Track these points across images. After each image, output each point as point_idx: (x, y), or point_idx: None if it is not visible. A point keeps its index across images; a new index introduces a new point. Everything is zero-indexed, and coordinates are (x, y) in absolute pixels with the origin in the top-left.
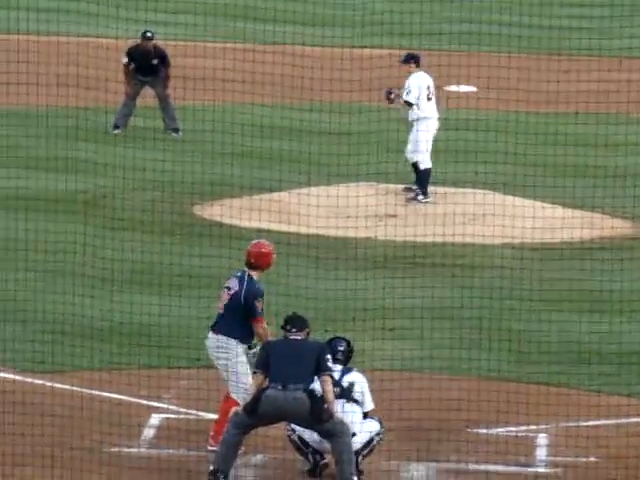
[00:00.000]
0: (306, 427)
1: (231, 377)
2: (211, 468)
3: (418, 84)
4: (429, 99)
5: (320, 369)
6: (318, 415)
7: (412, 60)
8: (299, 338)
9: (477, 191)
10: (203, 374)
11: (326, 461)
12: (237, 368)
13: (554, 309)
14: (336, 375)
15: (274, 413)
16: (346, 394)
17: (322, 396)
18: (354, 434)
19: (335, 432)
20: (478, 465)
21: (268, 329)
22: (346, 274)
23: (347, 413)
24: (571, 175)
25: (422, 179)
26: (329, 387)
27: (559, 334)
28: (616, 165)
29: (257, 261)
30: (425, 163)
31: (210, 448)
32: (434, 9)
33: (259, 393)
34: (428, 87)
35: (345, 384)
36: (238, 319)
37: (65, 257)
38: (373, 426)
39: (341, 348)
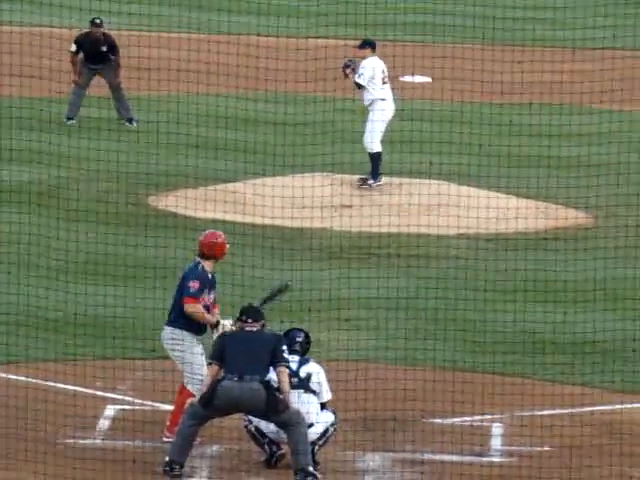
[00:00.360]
0: (262, 418)
1: (186, 369)
2: (166, 459)
3: (372, 67)
4: (384, 83)
5: (276, 360)
6: (274, 406)
7: (368, 46)
8: (255, 329)
9: (432, 182)
10: (158, 365)
11: (283, 452)
12: (191, 359)
13: (509, 299)
14: (294, 366)
15: (230, 404)
16: (304, 384)
17: (278, 387)
18: (311, 424)
19: (291, 422)
20: (433, 455)
21: (201, 313)
22: (301, 265)
23: (304, 403)
24: (525, 165)
25: (373, 163)
26: (285, 378)
27: (514, 324)
28: (569, 155)
29: (210, 251)
30: (375, 148)
31: (165, 439)
32: None
33: (214, 384)
34: (383, 71)
35: (303, 374)
36: (183, 308)
37: (19, 248)
38: (328, 417)
39: (299, 339)
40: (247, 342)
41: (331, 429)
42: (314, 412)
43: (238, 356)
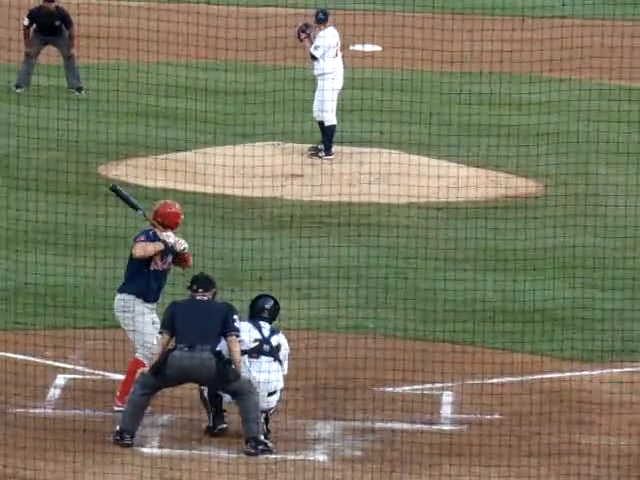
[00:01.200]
0: (213, 388)
1: (136, 337)
2: (117, 428)
3: (328, 41)
4: (336, 55)
5: (227, 329)
6: (225, 376)
7: (326, 18)
8: (205, 299)
9: (382, 150)
10: (109, 334)
11: (224, 426)
12: (142, 328)
13: (459, 268)
14: (266, 332)
15: (180, 374)
16: (274, 353)
17: (228, 357)
18: (273, 392)
19: (242, 391)
20: (384, 423)
21: (146, 245)
22: (252, 234)
23: (272, 372)
24: (476, 134)
25: (327, 136)
26: (236, 347)
27: (464, 292)
28: (519, 124)
29: (165, 220)
30: (330, 120)
31: (116, 409)
32: None
33: (165, 354)
34: (337, 44)
35: (274, 343)
36: (134, 274)
37: None
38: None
39: (267, 306)
40: (197, 312)
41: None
42: (279, 381)
43: (188, 326)
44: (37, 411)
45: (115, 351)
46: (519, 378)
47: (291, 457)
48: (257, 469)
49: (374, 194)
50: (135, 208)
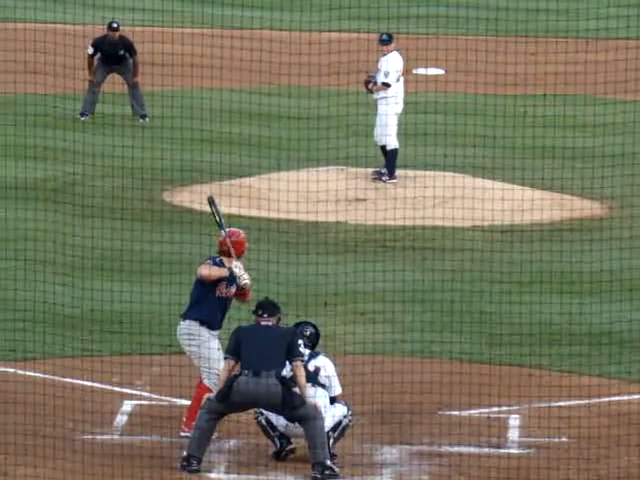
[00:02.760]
0: (278, 414)
1: (202, 364)
2: (184, 454)
3: (392, 66)
4: (398, 80)
5: (291, 354)
6: (290, 402)
7: (392, 40)
8: (270, 324)
9: (446, 174)
10: (175, 360)
11: (292, 446)
12: (208, 354)
13: (524, 291)
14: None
15: (246, 400)
16: (312, 378)
17: (293, 382)
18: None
19: (308, 417)
20: (451, 447)
21: (212, 268)
22: (317, 258)
23: (312, 397)
24: (540, 157)
25: (389, 160)
26: (301, 372)
27: (530, 315)
28: (584, 146)
29: (231, 249)
30: (392, 144)
31: (183, 434)
32: None
33: (230, 380)
34: (400, 68)
35: (311, 368)
36: (199, 301)
37: (35, 245)
38: (339, 410)
39: (306, 333)
40: (262, 337)
41: (345, 421)
42: (322, 405)
43: (254, 351)
44: (104, 437)
45: (181, 377)
46: (586, 401)
47: None
48: None
49: (438, 218)
50: (220, 226)
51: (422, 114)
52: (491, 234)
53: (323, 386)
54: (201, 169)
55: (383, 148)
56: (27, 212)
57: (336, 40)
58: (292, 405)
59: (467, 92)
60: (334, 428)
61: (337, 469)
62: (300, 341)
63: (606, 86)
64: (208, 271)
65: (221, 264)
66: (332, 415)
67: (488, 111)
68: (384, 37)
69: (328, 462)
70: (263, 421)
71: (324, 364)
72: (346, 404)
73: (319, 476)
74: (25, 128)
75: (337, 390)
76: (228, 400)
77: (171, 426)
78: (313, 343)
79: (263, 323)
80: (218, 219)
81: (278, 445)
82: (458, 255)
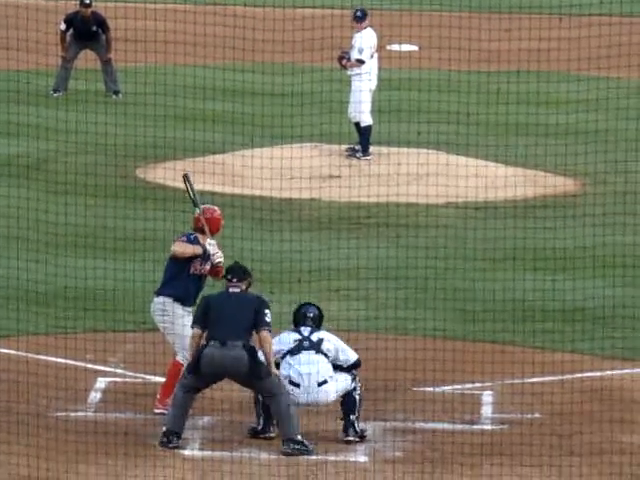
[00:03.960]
0: (245, 385)
1: (176, 340)
2: (163, 429)
3: (366, 42)
4: (372, 57)
5: (258, 324)
6: (256, 372)
7: (366, 17)
8: (238, 290)
9: (420, 151)
10: (149, 337)
11: (272, 435)
12: (181, 331)
13: (498, 267)
14: (306, 332)
15: (214, 371)
16: (315, 346)
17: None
18: (325, 381)
19: (272, 391)
20: (424, 423)
21: (185, 245)
22: (290, 235)
23: (314, 363)
24: (513, 133)
25: (363, 136)
26: (268, 342)
27: (503, 292)
28: (557, 123)
29: (206, 226)
30: (366, 120)
31: (157, 411)
32: None
33: (199, 351)
34: (374, 44)
35: (314, 339)
36: (173, 277)
37: (8, 222)
38: (342, 380)
39: (310, 314)
40: (230, 306)
41: (355, 395)
42: (325, 371)
43: (220, 321)
44: (78, 414)
45: (155, 354)
46: (559, 377)
47: (331, 458)
48: (298, 470)
49: (412, 195)
50: (195, 204)
51: (396, 90)
52: (465, 211)
53: (326, 355)
54: (174, 146)
55: (357, 125)
56: (0, 189)
57: (310, 16)
58: (258, 375)
59: (441, 68)
60: (351, 408)
61: (308, 443)
62: (267, 310)
63: (580, 62)
64: (182, 248)
65: (195, 241)
66: (337, 381)
67: (462, 88)
68: (358, 13)
69: (298, 437)
70: (260, 397)
71: (327, 337)
72: (352, 375)
73: (289, 451)
74: None
75: (352, 355)
76: (199, 372)
77: (145, 403)
78: (317, 324)
79: (232, 289)
80: (192, 196)
81: (260, 425)
82: (432, 232)
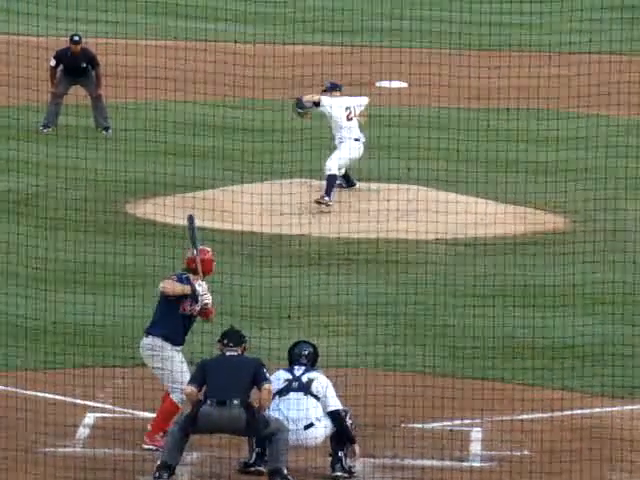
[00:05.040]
0: (245, 436)
1: (165, 378)
2: (158, 462)
3: (335, 107)
4: (349, 119)
5: (259, 381)
6: (254, 427)
7: (336, 89)
8: (235, 354)
9: (410, 187)
10: (138, 373)
11: (262, 469)
12: (171, 367)
13: (488, 304)
14: (297, 372)
15: (211, 428)
16: (304, 388)
17: (256, 407)
18: (310, 424)
19: (273, 432)
20: (414, 460)
21: (173, 284)
22: (280, 271)
23: (302, 404)
24: (503, 170)
25: (328, 183)
26: (268, 396)
27: (492, 329)
28: (547, 160)
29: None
30: (333, 169)
31: (145, 446)
32: (364, 6)
33: (195, 409)
34: (347, 108)
35: (305, 379)
36: (164, 316)
37: None
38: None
39: (305, 352)
40: (228, 366)
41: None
42: (313, 414)
43: (219, 380)
44: (67, 450)
45: (144, 389)
46: (549, 414)
47: None
48: None
49: (402, 230)
50: (194, 245)
51: (386, 127)
52: (454, 247)
53: (316, 397)
54: (165, 182)
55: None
56: None
57: (300, 53)
58: (256, 430)
59: (431, 105)
60: (339, 442)
61: (292, 479)
62: (265, 369)
63: (569, 100)
64: (171, 286)
65: (186, 281)
66: (324, 426)
67: (452, 124)
68: (325, 86)
69: (285, 471)
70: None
71: (318, 377)
72: (344, 412)
73: None
74: None
75: (334, 403)
76: (195, 426)
77: (134, 439)
78: (312, 362)
79: (228, 353)
80: (193, 238)
81: (252, 459)
82: (421, 268)
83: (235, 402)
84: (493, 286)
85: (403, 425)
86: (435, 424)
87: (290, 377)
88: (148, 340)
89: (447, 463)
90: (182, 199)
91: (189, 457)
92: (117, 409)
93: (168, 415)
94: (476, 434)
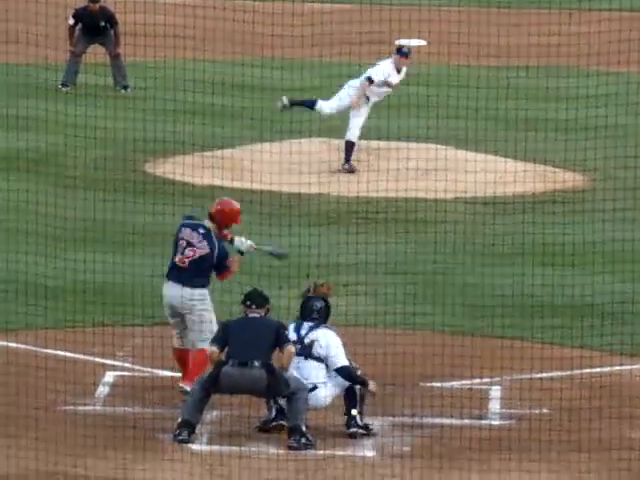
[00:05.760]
0: (266, 398)
1: (205, 328)
2: (179, 419)
3: (387, 70)
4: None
5: (282, 343)
6: (276, 389)
7: (403, 54)
8: (257, 316)
9: (429, 146)
10: (157, 331)
11: (283, 423)
12: (211, 317)
13: (506, 263)
14: (303, 331)
15: (233, 388)
16: (306, 351)
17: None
18: (315, 387)
19: (293, 391)
20: (432, 419)
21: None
22: (299, 230)
23: (304, 368)
24: (523, 128)
25: (348, 151)
26: (289, 358)
27: (512, 287)
28: (567, 118)
29: (222, 218)
30: (354, 137)
31: (181, 384)
32: None
33: (217, 369)
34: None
35: (307, 341)
36: (204, 272)
37: (17, 215)
38: (339, 381)
39: (317, 307)
40: (250, 328)
41: (357, 391)
42: (315, 378)
43: (241, 342)
44: (86, 408)
45: (163, 348)
46: (568, 373)
47: (339, 453)
48: (306, 465)
49: (421, 190)
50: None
51: (405, 86)
52: (474, 206)
53: (318, 359)
54: (184, 140)
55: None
56: (9, 183)
57: (319, 11)
58: (278, 391)
59: (450, 63)
60: (351, 402)
61: (311, 437)
62: (287, 331)
63: (589, 58)
64: (237, 266)
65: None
66: (332, 386)
67: (471, 83)
68: (406, 50)
69: (303, 428)
70: None
71: (319, 337)
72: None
73: (295, 444)
74: (7, 98)
75: (338, 362)
76: (217, 388)
77: (153, 397)
78: (324, 316)
79: (251, 315)
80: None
81: (272, 415)
82: (441, 227)
83: (256, 363)
84: (512, 245)
85: (422, 384)
86: (454, 383)
87: (295, 338)
88: (201, 291)
89: (466, 421)
90: (202, 158)
91: (208, 416)
92: (136, 368)
93: (203, 364)
94: (495, 392)
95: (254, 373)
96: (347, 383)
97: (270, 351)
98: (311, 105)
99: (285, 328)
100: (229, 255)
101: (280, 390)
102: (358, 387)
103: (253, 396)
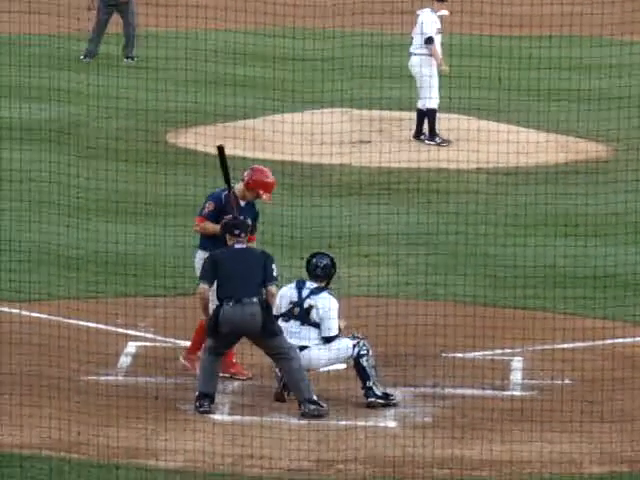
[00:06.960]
0: (258, 344)
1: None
2: (196, 393)
3: (433, 19)
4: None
5: (266, 279)
6: (271, 329)
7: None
8: (244, 246)
9: (451, 116)
10: (179, 302)
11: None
12: None
13: (529, 233)
14: (305, 292)
15: (233, 329)
16: (302, 317)
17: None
18: (306, 346)
19: (283, 351)
20: (454, 389)
21: (209, 227)
22: (320, 201)
23: (299, 333)
24: (545, 99)
25: (430, 120)
26: (271, 299)
27: (534, 258)
28: (589, 88)
29: (254, 184)
30: (433, 103)
31: (181, 359)
32: None
33: (216, 311)
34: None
35: (305, 305)
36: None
37: (39, 186)
38: (343, 346)
39: (321, 264)
40: (239, 262)
41: (363, 361)
42: (307, 337)
43: (232, 278)
44: (108, 378)
45: (185, 319)
46: (590, 343)
47: (361, 423)
48: (327, 435)
49: (443, 160)
50: (228, 182)
51: None
52: (496, 176)
53: (315, 325)
54: (205, 111)
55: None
56: (31, 153)
57: None
58: (271, 332)
59: (472, 33)
60: (362, 375)
61: (323, 403)
62: (274, 265)
63: (612, 27)
64: (199, 228)
65: (225, 197)
66: (328, 349)
67: (493, 52)
68: None
69: (314, 397)
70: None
71: (318, 303)
72: (355, 341)
73: (306, 411)
74: (29, 69)
75: (330, 332)
76: (219, 332)
77: (175, 367)
78: (327, 276)
79: (237, 245)
80: (227, 173)
81: (279, 386)
82: (462, 197)
83: (252, 299)
84: (535, 215)
85: (443, 355)
86: (476, 353)
87: (295, 300)
88: (200, 253)
89: (488, 392)
90: (223, 128)
91: (230, 386)
92: (158, 338)
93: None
94: (517, 363)
95: (253, 310)
96: (347, 352)
97: (261, 286)
98: (422, 120)
99: (272, 261)
100: (210, 200)
101: (274, 330)
102: (364, 359)
103: (250, 340)
